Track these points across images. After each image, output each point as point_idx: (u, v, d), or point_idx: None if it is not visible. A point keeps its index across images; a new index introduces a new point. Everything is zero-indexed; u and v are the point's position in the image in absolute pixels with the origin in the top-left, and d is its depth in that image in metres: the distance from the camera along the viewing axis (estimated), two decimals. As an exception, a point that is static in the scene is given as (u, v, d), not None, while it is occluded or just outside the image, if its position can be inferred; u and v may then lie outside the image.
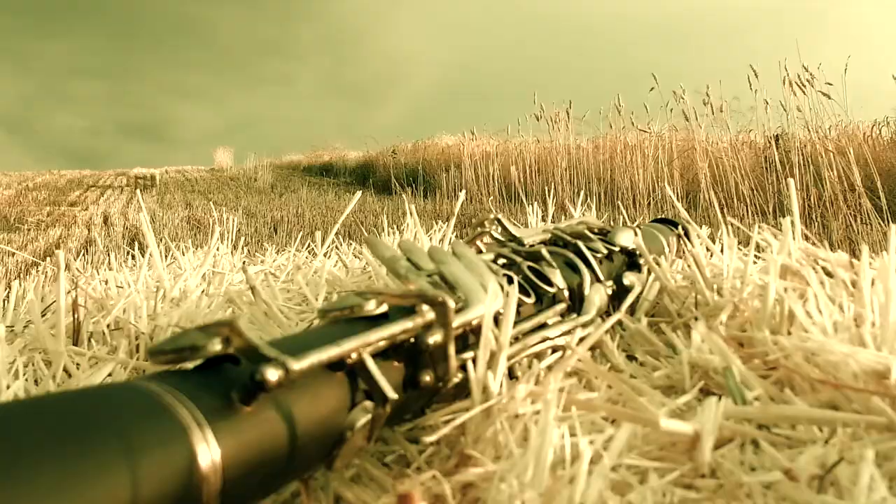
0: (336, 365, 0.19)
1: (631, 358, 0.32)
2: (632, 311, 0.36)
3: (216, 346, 0.17)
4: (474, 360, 0.23)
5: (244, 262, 0.45)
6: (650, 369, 0.30)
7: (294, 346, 0.18)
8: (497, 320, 0.24)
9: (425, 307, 0.21)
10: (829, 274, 0.37)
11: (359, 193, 0.54)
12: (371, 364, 0.19)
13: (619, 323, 0.34)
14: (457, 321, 0.22)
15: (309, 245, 0.66)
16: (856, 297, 0.31)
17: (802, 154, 2.55)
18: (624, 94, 3.53)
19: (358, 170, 6.37)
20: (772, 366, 0.27)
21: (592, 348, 0.32)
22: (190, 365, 0.17)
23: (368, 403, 0.19)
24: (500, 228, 0.34)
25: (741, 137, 2.99)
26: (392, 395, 0.19)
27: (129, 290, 0.40)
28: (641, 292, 0.35)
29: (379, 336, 0.20)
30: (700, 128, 3.03)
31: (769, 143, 2.75)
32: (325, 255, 0.59)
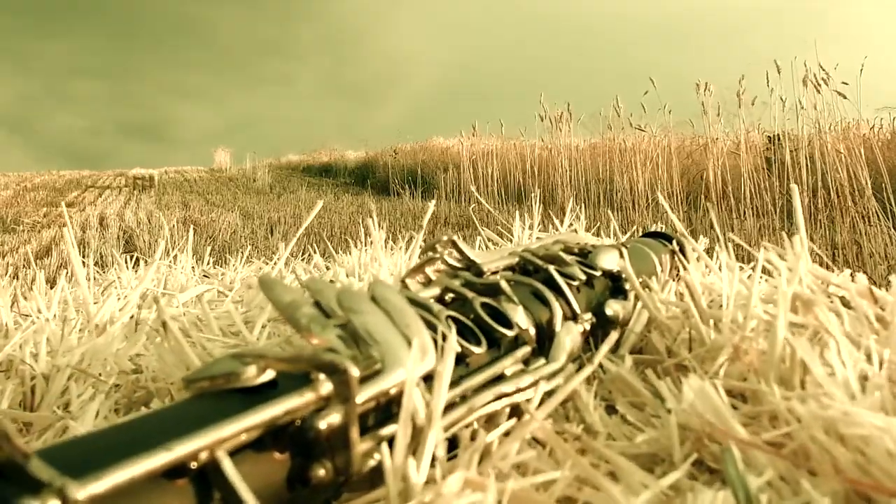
0: (176, 470, 0.13)
1: (611, 409, 0.27)
2: (615, 347, 0.31)
3: (-28, 461, 0.11)
4: (391, 442, 0.17)
5: (157, 294, 0.40)
6: (633, 429, 0.25)
7: (105, 448, 0.13)
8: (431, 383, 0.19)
9: (322, 376, 0.16)
10: (846, 304, 0.31)
11: (320, 203, 0.48)
12: (228, 467, 0.14)
13: (599, 364, 0.29)
14: (365, 393, 0.17)
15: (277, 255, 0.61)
16: (883, 340, 0.26)
17: (809, 153, 2.49)
18: (624, 95, 3.49)
19: (357, 170, 6.32)
20: (783, 431, 0.21)
21: (563, 401, 0.26)
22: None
23: (226, 519, 0.14)
24: (456, 252, 0.28)
25: (749, 136, 2.93)
26: (256, 510, 0.14)
27: (35, 318, 0.35)
28: (624, 331, 0.30)
29: (242, 427, 0.14)
30: (720, 121, 2.98)
31: (770, 143, 2.70)
32: (287, 265, 0.54)
